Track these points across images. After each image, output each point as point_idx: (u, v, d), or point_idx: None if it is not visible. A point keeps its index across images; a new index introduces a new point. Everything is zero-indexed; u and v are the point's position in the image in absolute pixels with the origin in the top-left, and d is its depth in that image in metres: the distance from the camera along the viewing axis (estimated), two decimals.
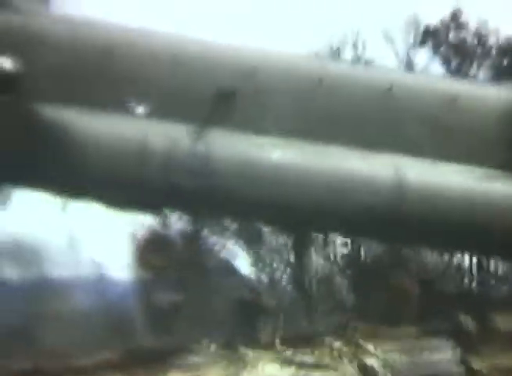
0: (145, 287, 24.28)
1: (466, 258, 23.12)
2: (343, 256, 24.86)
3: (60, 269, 23.90)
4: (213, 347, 12.76)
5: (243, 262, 26.80)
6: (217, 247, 26.45)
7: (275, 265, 26.33)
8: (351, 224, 11.63)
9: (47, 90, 11.01)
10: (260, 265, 26.38)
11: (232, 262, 26.89)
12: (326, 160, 11.27)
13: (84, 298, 24.31)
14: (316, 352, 11.89)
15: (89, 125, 10.99)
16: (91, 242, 27.06)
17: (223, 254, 26.63)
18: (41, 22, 11.46)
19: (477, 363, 12.62)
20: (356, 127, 11.51)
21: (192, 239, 25.41)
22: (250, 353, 11.34)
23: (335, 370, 11.05)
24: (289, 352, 11.54)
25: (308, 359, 11.52)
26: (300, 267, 24.91)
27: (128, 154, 10.91)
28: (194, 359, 11.79)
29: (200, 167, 10.97)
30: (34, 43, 11.14)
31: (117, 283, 25.03)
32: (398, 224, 11.57)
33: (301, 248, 24.27)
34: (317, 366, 11.17)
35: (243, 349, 11.62)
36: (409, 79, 12.66)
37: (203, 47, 11.45)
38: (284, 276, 26.31)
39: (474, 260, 23.39)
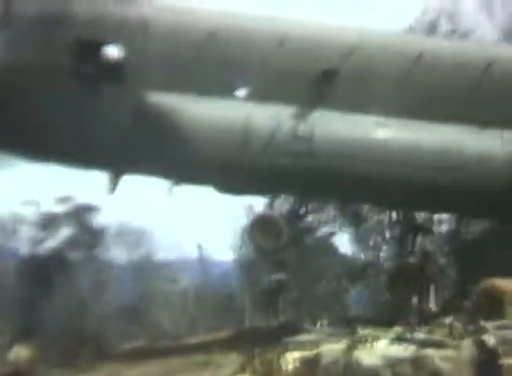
0: (250, 268, 24.65)
1: None
2: (446, 235, 24.54)
3: (167, 250, 24.57)
4: (327, 326, 12.89)
5: (343, 241, 26.88)
6: (317, 226, 26.56)
7: (375, 243, 26.26)
8: (460, 201, 11.51)
9: (153, 77, 11.27)
10: (360, 243, 26.35)
11: (333, 241, 26.98)
12: (430, 137, 11.17)
13: (192, 279, 24.90)
14: (434, 331, 11.82)
15: (194, 109, 11.20)
16: (197, 224, 27.64)
17: (324, 233, 26.73)
18: (145, 11, 11.71)
19: None
20: (456, 103, 11.37)
21: (295, 219, 25.57)
22: (366, 331, 11.38)
23: (454, 348, 10.96)
24: (406, 331, 11.51)
25: (427, 337, 11.46)
26: (400, 245, 24.70)
27: (232, 136, 11.08)
28: (309, 337, 11.92)
29: (304, 148, 11.04)
30: (140, 32, 11.39)
31: (223, 264, 25.53)
32: (508, 201, 11.43)
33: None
34: (436, 344, 11.09)
35: (358, 328, 11.67)
36: (508, 53, 12.41)
37: (303, 28, 11.49)
38: (384, 255, 26.19)
39: None
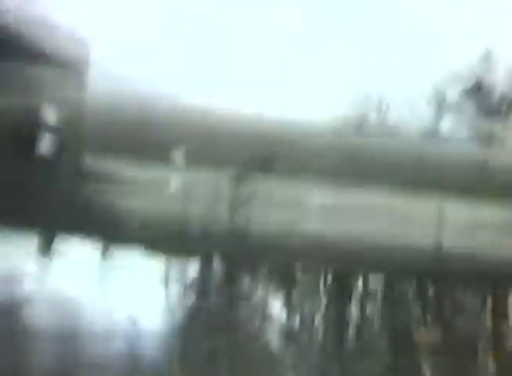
0: (181, 335, 24.09)
1: None
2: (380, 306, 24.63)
3: (95, 320, 23.72)
4: None
5: (275, 306, 26.62)
6: (249, 291, 26.27)
7: (308, 309, 26.09)
8: (396, 264, 11.69)
9: (91, 140, 11.11)
10: (293, 308, 26.14)
11: (265, 307, 26.69)
12: (369, 203, 11.38)
13: (119, 350, 24.10)
14: None
15: (132, 175, 11.07)
16: (127, 293, 26.96)
17: (256, 298, 26.45)
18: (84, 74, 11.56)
19: None
20: (402, 170, 11.69)
21: (226, 284, 25.25)
22: None
23: None
24: None
25: None
26: (337, 308, 24.64)
27: (171, 202, 11.02)
28: None
29: (242, 213, 11.08)
30: (77, 95, 11.27)
31: (152, 333, 24.85)
32: (440, 265, 11.60)
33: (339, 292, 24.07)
34: None
35: None
36: (437, 148, 12.85)
37: (237, 119, 11.64)
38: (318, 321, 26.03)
39: None
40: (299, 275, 25.35)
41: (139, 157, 11.16)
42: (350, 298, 24.24)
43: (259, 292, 25.90)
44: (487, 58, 23.99)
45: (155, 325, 24.63)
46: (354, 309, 24.48)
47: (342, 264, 11.89)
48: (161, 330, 24.51)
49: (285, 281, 25.34)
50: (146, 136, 11.29)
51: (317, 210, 11.14)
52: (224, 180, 11.12)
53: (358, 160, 11.53)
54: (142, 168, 11.23)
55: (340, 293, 24.35)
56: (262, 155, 11.07)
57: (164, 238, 11.32)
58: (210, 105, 11.82)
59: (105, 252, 12.39)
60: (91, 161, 11.14)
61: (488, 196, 11.92)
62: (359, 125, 12.40)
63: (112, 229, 11.35)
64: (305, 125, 11.58)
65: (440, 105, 23.87)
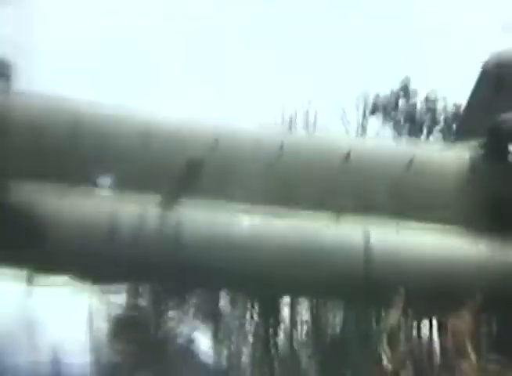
0: (108, 371, 23.60)
1: None
2: (308, 335, 24.66)
3: (18, 354, 23.08)
4: None
5: (203, 340, 26.40)
6: (177, 325, 26.00)
7: (236, 343, 25.94)
8: (321, 288, 11.79)
9: (13, 167, 10.89)
10: (221, 348, 25.96)
11: (193, 343, 26.43)
12: (293, 225, 11.52)
13: None
14: None
15: (57, 201, 10.87)
16: (50, 326, 26.30)
17: (184, 333, 26.18)
18: (4, 100, 11.41)
19: None
20: (321, 193, 11.90)
21: (157, 319, 24.97)
22: None
23: None
24: None
25: None
26: (264, 347, 24.58)
27: (97, 229, 10.87)
28: None
29: (171, 238, 11.07)
30: (1, 119, 11.05)
31: (78, 366, 24.28)
32: (368, 288, 11.76)
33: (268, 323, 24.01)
34: None
35: None
36: (365, 145, 13.18)
37: (167, 120, 11.66)
38: (247, 355, 25.89)
39: None
40: (225, 308, 25.28)
41: (63, 180, 10.98)
42: (277, 329, 24.28)
43: (186, 328, 25.64)
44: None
45: (79, 360, 24.11)
46: (282, 341, 24.49)
47: (268, 290, 11.91)
48: (85, 365, 24.00)
49: (211, 315, 25.21)
50: (73, 160, 11.13)
51: (243, 233, 11.19)
52: (151, 205, 11.05)
53: (284, 169, 11.68)
54: (69, 194, 11.05)
55: (267, 326, 24.33)
56: (189, 159, 11.10)
57: (91, 266, 11.14)
58: (142, 110, 11.79)
59: (29, 281, 12.10)
60: (14, 187, 10.89)
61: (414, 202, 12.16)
62: (285, 133, 12.43)
63: (37, 257, 11.12)
64: (232, 130, 11.69)
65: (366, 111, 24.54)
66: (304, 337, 24.75)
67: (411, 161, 12.19)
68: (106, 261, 11.07)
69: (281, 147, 11.68)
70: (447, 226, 12.26)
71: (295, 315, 24.51)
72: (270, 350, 24.33)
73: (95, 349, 24.81)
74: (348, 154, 11.91)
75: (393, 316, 11.59)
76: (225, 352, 25.20)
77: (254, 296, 12.90)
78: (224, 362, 25.34)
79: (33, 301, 16.50)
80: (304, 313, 24.57)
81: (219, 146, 11.43)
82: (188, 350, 25.41)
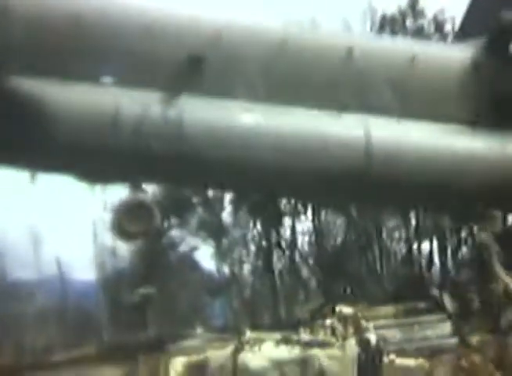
0: (113, 282, 24.05)
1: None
2: (308, 244, 25.08)
3: (24, 268, 23.44)
4: (210, 332, 12.66)
5: (205, 255, 26.80)
6: (180, 240, 26.36)
7: (238, 256, 26.35)
8: (322, 185, 11.80)
9: (15, 62, 10.76)
10: (223, 257, 26.35)
11: (194, 255, 26.84)
12: (296, 122, 11.48)
13: (51, 298, 23.88)
14: (314, 332, 11.88)
15: (59, 95, 10.78)
16: (54, 239, 26.62)
17: (185, 248, 26.55)
18: None
19: (468, 337, 12.77)
20: (323, 89, 11.78)
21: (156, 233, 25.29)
22: (252, 335, 11.23)
23: (336, 347, 11.04)
24: (289, 333, 11.47)
25: (308, 337, 11.49)
26: (265, 257, 24.96)
27: (100, 122, 10.79)
28: (194, 343, 11.63)
29: (173, 132, 11.01)
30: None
31: (83, 281, 24.69)
32: (368, 184, 11.80)
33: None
34: (317, 344, 11.14)
35: (242, 332, 11.51)
36: (368, 41, 13.00)
37: (171, 13, 11.45)
38: (249, 268, 26.34)
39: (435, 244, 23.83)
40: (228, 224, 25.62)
41: (68, 78, 10.87)
42: (279, 240, 24.66)
43: (188, 241, 26.01)
44: None
45: (85, 271, 24.54)
46: (284, 251, 24.91)
47: (268, 186, 11.91)
48: (91, 277, 24.43)
49: (214, 230, 25.53)
50: (75, 54, 10.99)
51: (245, 130, 11.16)
52: (153, 101, 10.99)
53: (287, 65, 11.56)
54: (71, 88, 10.94)
55: (269, 236, 24.68)
56: (192, 55, 10.98)
57: (95, 162, 11.06)
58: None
59: (32, 179, 11.95)
60: (17, 83, 10.80)
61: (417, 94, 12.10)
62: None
63: (39, 155, 11.06)
64: (235, 26, 11.54)
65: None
66: (306, 248, 25.19)
67: (413, 58, 12.09)
68: (109, 155, 10.97)
69: (284, 43, 11.54)
70: (449, 123, 12.25)
71: (297, 226, 24.90)
72: (272, 260, 24.75)
73: (100, 264, 25.21)
74: (351, 50, 11.78)
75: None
76: (227, 262, 25.67)
77: (255, 194, 12.86)
78: (226, 271, 25.86)
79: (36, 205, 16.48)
80: (307, 224, 24.97)
81: (222, 42, 11.30)
82: (190, 258, 25.86)
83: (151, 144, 10.72)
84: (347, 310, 13.29)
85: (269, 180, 11.45)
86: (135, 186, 11.28)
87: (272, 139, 11.16)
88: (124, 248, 25.56)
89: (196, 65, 11.03)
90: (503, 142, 12.35)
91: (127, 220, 11.08)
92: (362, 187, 11.65)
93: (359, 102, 11.72)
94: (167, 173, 11.22)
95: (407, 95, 11.91)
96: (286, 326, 12.68)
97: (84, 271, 25.26)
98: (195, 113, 10.95)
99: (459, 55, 12.58)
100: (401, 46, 12.63)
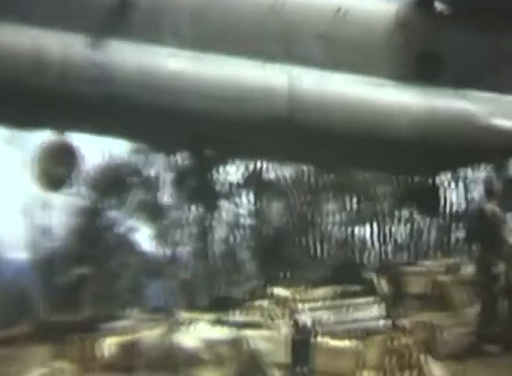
0: (47, 262, 23.69)
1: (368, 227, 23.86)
2: (246, 226, 25.09)
3: None
4: (144, 313, 12.62)
5: (143, 236, 26.58)
6: (116, 221, 26.07)
7: (176, 238, 26.21)
8: (245, 132, 11.83)
9: None
10: (161, 238, 26.18)
11: (132, 237, 26.59)
12: (221, 70, 11.48)
13: None
14: (249, 313, 11.95)
15: None
16: None
17: (123, 229, 26.28)
18: None
19: (400, 320, 12.99)
20: (249, 39, 11.79)
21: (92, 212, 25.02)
22: (184, 315, 11.23)
23: (269, 328, 11.11)
24: (223, 314, 11.51)
25: (241, 318, 11.55)
26: (204, 239, 24.92)
27: (23, 64, 10.53)
28: (125, 323, 11.57)
29: (98, 74, 10.87)
30: None
31: (16, 260, 24.30)
32: (291, 133, 11.84)
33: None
34: (250, 325, 11.19)
35: (176, 313, 11.50)
36: None
37: None
38: (187, 249, 26.22)
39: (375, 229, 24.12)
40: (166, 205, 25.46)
41: None
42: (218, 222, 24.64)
43: (126, 222, 25.76)
44: None
45: (19, 250, 24.15)
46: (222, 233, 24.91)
47: (194, 134, 11.83)
48: (24, 256, 24.06)
49: (152, 212, 25.33)
50: None
51: (171, 75, 11.09)
52: (80, 44, 10.78)
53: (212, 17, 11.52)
54: None
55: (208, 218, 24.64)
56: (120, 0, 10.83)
57: (19, 108, 10.77)
58: None
59: None
60: None
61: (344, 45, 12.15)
62: None
63: None
64: None
65: None
66: (244, 230, 25.18)
67: (339, 10, 12.13)
68: (34, 98, 10.66)
69: None
70: (375, 76, 12.31)
71: (235, 208, 24.90)
72: (209, 242, 24.72)
73: (34, 243, 24.79)
74: (277, 1, 11.78)
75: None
76: (165, 243, 25.50)
77: (179, 142, 12.64)
78: (164, 252, 25.68)
79: None
80: (245, 206, 24.99)
81: None
82: (127, 239, 25.62)
83: (76, 86, 10.52)
84: (281, 292, 13.46)
85: (194, 127, 11.41)
86: (59, 130, 11.00)
87: (197, 85, 11.15)
88: (59, 227, 25.20)
89: (124, 10, 10.91)
90: (428, 97, 12.51)
91: (50, 164, 10.82)
92: (285, 136, 11.65)
93: (286, 53, 11.75)
94: (94, 118, 10.99)
95: (333, 48, 12.00)
96: (221, 307, 12.70)
97: (17, 250, 24.82)
98: (122, 57, 10.82)
99: (386, 10, 12.73)
100: None
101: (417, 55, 12.50)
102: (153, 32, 11.21)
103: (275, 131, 11.46)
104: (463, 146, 12.58)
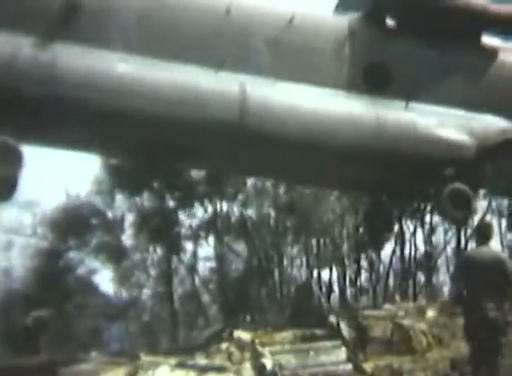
0: (5, 303, 23.30)
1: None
2: (208, 270, 25.07)
3: None
4: (105, 355, 12.44)
5: (104, 278, 26.35)
6: (77, 263, 25.83)
7: (138, 280, 26.04)
8: (195, 139, 11.83)
9: None
10: (122, 280, 25.98)
11: (93, 279, 26.34)
12: (170, 75, 11.53)
13: None
14: (211, 357, 11.86)
15: None
16: None
17: (83, 270, 26.05)
18: None
19: (362, 363, 13.00)
20: (199, 45, 11.86)
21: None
22: (147, 358, 11.10)
23: (234, 372, 11.04)
24: (185, 358, 11.41)
25: (203, 362, 11.46)
26: (165, 282, 24.80)
27: None
28: (86, 366, 11.39)
29: (45, 75, 10.86)
30: None
31: None
32: (242, 142, 11.88)
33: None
34: (213, 368, 11.11)
35: (137, 355, 11.37)
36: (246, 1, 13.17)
37: None
38: (148, 292, 26.08)
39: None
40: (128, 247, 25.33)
41: None
42: (180, 264, 24.53)
43: (87, 263, 25.54)
44: None
45: None
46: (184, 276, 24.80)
47: (142, 140, 11.77)
48: None
49: (113, 254, 25.17)
50: None
51: (119, 79, 11.10)
52: (26, 44, 10.78)
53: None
54: None
55: (170, 260, 24.52)
56: (68, 2, 10.86)
57: None
58: None
59: None
60: None
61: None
62: None
63: None
64: None
65: None
66: (206, 272, 25.14)
67: (292, 20, 12.28)
68: None
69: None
70: (325, 86, 12.46)
71: (198, 251, 24.85)
72: (171, 285, 24.59)
73: None
74: (229, 8, 11.89)
75: None
76: (126, 285, 25.30)
77: (128, 150, 12.55)
78: (125, 294, 25.47)
79: None
80: (208, 250, 24.97)
81: None
82: (88, 281, 25.37)
83: (22, 87, 10.48)
84: (243, 335, 13.39)
85: (143, 132, 11.37)
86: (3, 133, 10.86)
87: (146, 89, 11.13)
88: (18, 268, 24.87)
89: (71, 12, 10.96)
90: (376, 107, 12.70)
91: None
92: (236, 145, 11.67)
93: (237, 59, 11.82)
94: (39, 118, 10.91)
95: (284, 56, 12.12)
96: (183, 350, 12.60)
97: None
98: (69, 59, 10.78)
99: (337, 22, 12.93)
100: (280, 8, 12.82)
101: (365, 66, 12.75)
102: (101, 36, 11.23)
103: (226, 138, 11.51)
104: (410, 157, 12.80)
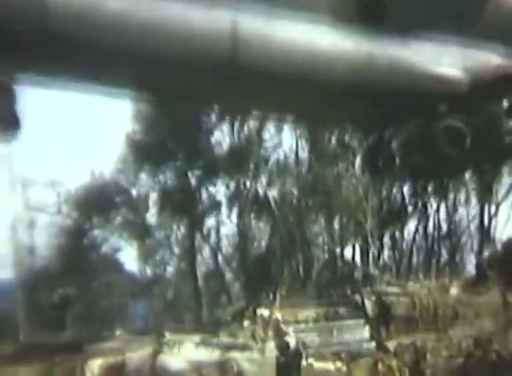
0: (31, 282, 23.52)
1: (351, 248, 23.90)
2: (230, 247, 25.11)
3: None
4: (129, 334, 12.57)
5: (128, 256, 26.48)
6: (101, 241, 25.97)
7: (162, 258, 26.15)
8: (188, 74, 11.83)
9: None
10: (146, 258, 26.10)
11: (117, 257, 26.49)
12: (163, 12, 11.52)
13: None
14: (235, 335, 11.93)
15: None
16: None
17: (107, 249, 26.19)
18: None
19: (385, 341, 13.02)
20: None
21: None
22: (171, 336, 11.19)
23: (258, 350, 11.12)
24: (209, 336, 11.49)
25: (227, 340, 11.53)
26: (189, 259, 24.85)
27: None
28: (112, 344, 11.51)
29: (36, 10, 10.88)
30: None
31: (0, 279, 24.11)
32: (234, 76, 11.85)
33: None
34: (237, 347, 11.19)
35: (161, 334, 11.46)
36: None
37: None
38: (172, 270, 26.19)
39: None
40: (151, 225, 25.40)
41: None
42: (203, 242, 24.58)
43: (111, 242, 25.66)
44: None
45: (3, 269, 23.93)
46: (207, 254, 24.88)
47: (134, 76, 11.76)
48: (8, 275, 23.84)
49: (137, 232, 25.26)
50: None
51: (112, 15, 11.11)
52: None
53: None
54: None
55: (193, 238, 24.57)
56: None
57: None
58: None
59: None
60: None
61: None
62: None
63: None
64: None
65: None
66: (230, 251, 25.19)
67: None
68: None
69: None
70: (318, 21, 12.39)
71: (221, 228, 24.90)
72: (195, 263, 24.67)
73: (19, 263, 24.59)
74: None
75: None
76: (150, 263, 25.43)
77: (121, 86, 12.52)
78: (149, 272, 25.62)
79: None
80: (231, 228, 24.99)
81: None
82: (112, 259, 25.52)
83: (13, 21, 10.50)
84: (267, 314, 13.46)
85: (134, 69, 11.37)
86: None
87: (139, 26, 11.13)
88: (44, 247, 25.03)
89: None
90: (369, 43, 12.62)
91: None
92: (228, 79, 11.67)
93: None
94: (32, 55, 10.94)
95: None
96: (206, 328, 12.68)
97: (1, 269, 24.60)
98: None
99: None
100: None
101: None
102: None
103: (217, 73, 11.50)
104: (401, 93, 12.74)
